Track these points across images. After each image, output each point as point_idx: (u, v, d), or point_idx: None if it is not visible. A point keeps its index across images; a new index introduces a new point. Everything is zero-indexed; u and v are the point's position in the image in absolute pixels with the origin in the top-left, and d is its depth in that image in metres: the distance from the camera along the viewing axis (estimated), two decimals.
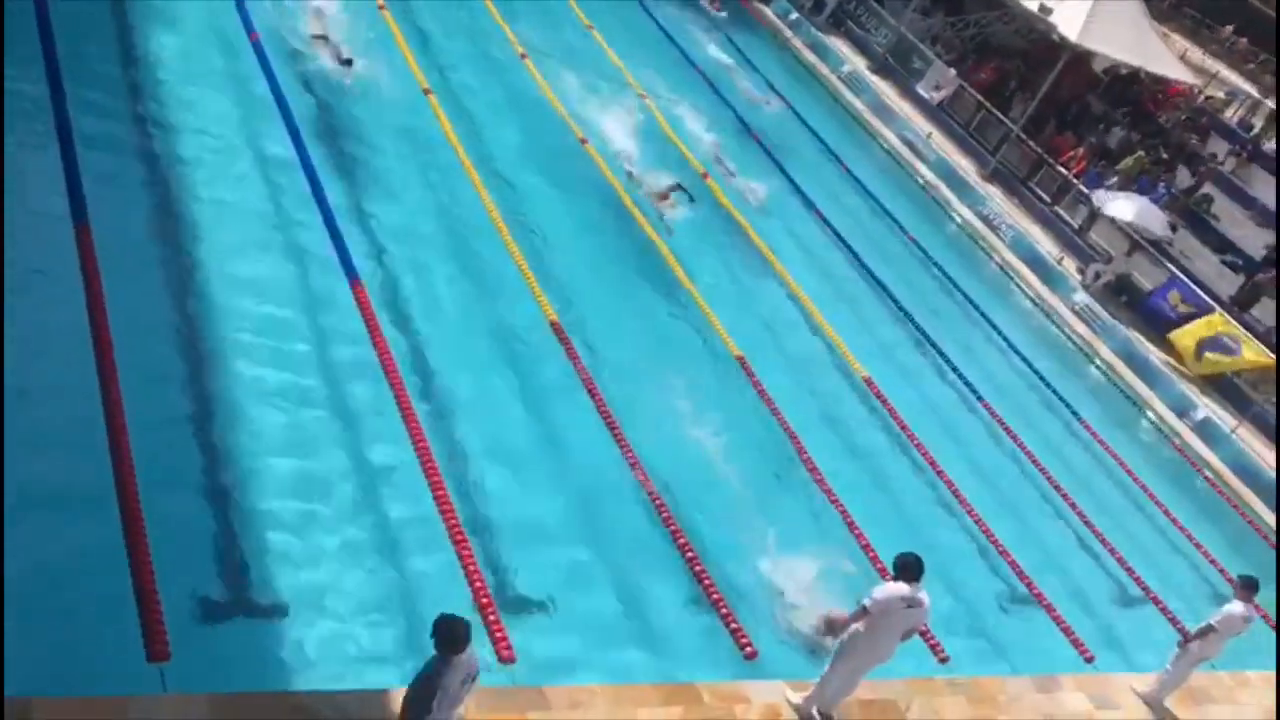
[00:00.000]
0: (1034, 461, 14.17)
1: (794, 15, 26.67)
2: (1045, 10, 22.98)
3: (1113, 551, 13.11)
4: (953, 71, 25.05)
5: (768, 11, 26.84)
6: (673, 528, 9.43)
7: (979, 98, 24.55)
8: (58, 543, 7.17)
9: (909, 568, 7.98)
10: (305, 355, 9.89)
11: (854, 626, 8.11)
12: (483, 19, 18.29)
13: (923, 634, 9.13)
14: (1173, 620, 11.97)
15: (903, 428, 13.26)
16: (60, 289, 8.73)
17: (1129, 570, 12.86)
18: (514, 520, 9.27)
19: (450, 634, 5.84)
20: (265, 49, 13.39)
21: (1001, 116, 23.99)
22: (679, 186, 15.66)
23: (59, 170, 9.63)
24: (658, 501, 9.64)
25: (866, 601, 8.00)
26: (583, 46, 19.45)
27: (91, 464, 7.36)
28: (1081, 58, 24.02)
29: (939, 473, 12.73)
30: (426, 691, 5.85)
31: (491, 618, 7.64)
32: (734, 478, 11.03)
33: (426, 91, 14.80)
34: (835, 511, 10.93)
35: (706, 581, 9.07)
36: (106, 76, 11.95)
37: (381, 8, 16.38)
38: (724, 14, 24.42)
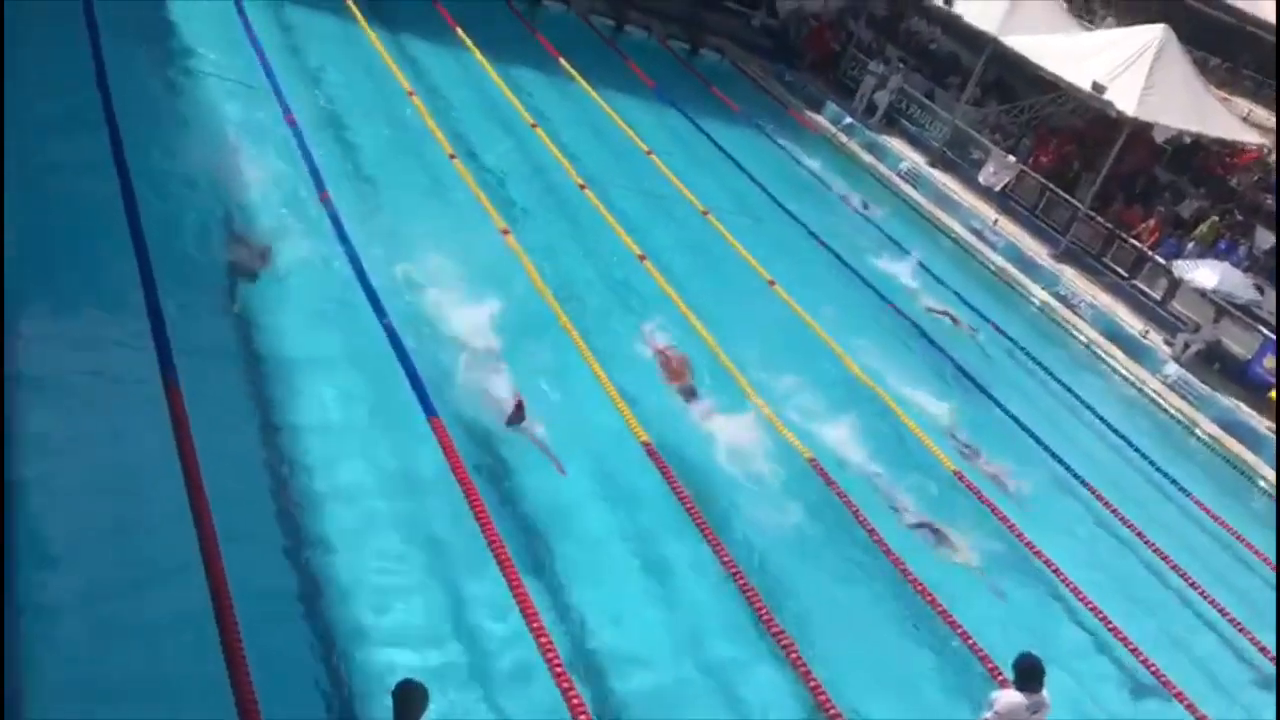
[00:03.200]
0: (1145, 541, 13.66)
1: (846, 120, 26.98)
2: (1099, 89, 22.97)
3: (1242, 630, 12.47)
4: (1012, 158, 25.06)
5: (819, 119, 27.23)
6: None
7: (1042, 181, 24.48)
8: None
9: (1031, 673, 7.65)
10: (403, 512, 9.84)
11: None
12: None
13: None
14: None
15: (1002, 519, 12.87)
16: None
17: (1262, 649, 12.20)
18: None
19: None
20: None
21: (1068, 197, 23.85)
22: None
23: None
24: None
25: (989, 715, 7.68)
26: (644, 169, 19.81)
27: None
28: (1142, 130, 23.87)
29: (1046, 562, 12.29)
30: None
31: None
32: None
33: None
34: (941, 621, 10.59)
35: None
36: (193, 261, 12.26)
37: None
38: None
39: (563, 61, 22.59)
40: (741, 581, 9.93)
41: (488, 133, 18.25)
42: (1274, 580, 14.11)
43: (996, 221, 24.03)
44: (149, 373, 9.45)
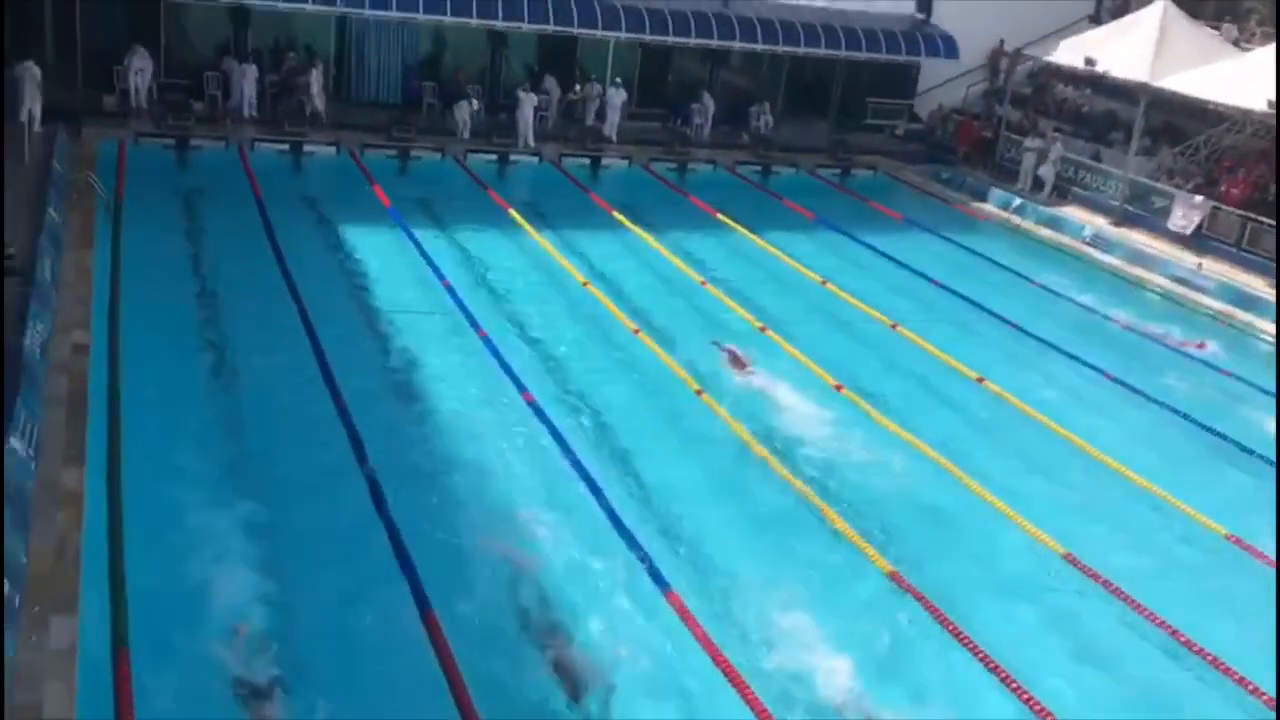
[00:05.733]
0: None
1: (1016, 201, 26.43)
2: (1275, 105, 21.84)
3: None
4: (1199, 197, 23.92)
5: (988, 207, 26.79)
6: None
7: (1240, 213, 23.20)
8: None
9: None
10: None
11: None
12: None
13: None
14: None
15: None
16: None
17: None
18: None
19: None
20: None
21: (1271, 222, 22.48)
22: None
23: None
24: None
25: None
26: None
27: None
28: None
29: None
30: None
31: None
32: None
33: None
34: None
35: None
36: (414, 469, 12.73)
37: None
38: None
39: (720, 216, 23.09)
40: None
41: (663, 300, 18.64)
42: None
43: (1201, 265, 22.80)
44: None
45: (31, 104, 20.88)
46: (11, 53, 21.06)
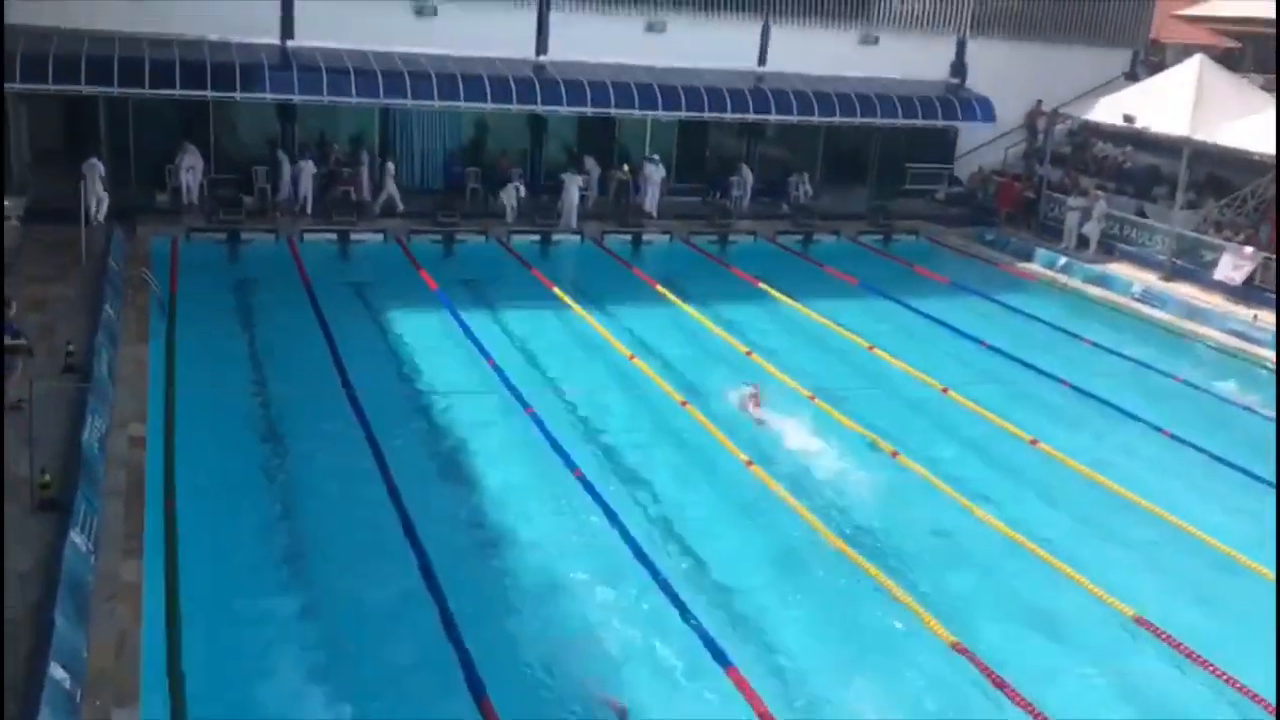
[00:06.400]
0: None
1: (1062, 260, 26.28)
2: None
3: None
4: (1249, 248, 23.64)
5: (1033, 267, 26.67)
6: None
7: None
8: None
9: None
10: None
11: None
12: None
13: None
14: None
15: None
16: None
17: None
18: None
19: None
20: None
21: None
22: None
23: None
24: None
25: None
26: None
27: None
28: None
29: None
30: None
31: None
32: None
33: None
34: None
35: None
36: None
37: None
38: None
39: (763, 285, 23.14)
40: None
41: (709, 372, 18.61)
42: None
43: (1256, 317, 22.45)
44: None
45: (96, 198, 21.85)
46: (73, 153, 21.91)
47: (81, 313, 16.72)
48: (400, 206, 25.74)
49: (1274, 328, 21.81)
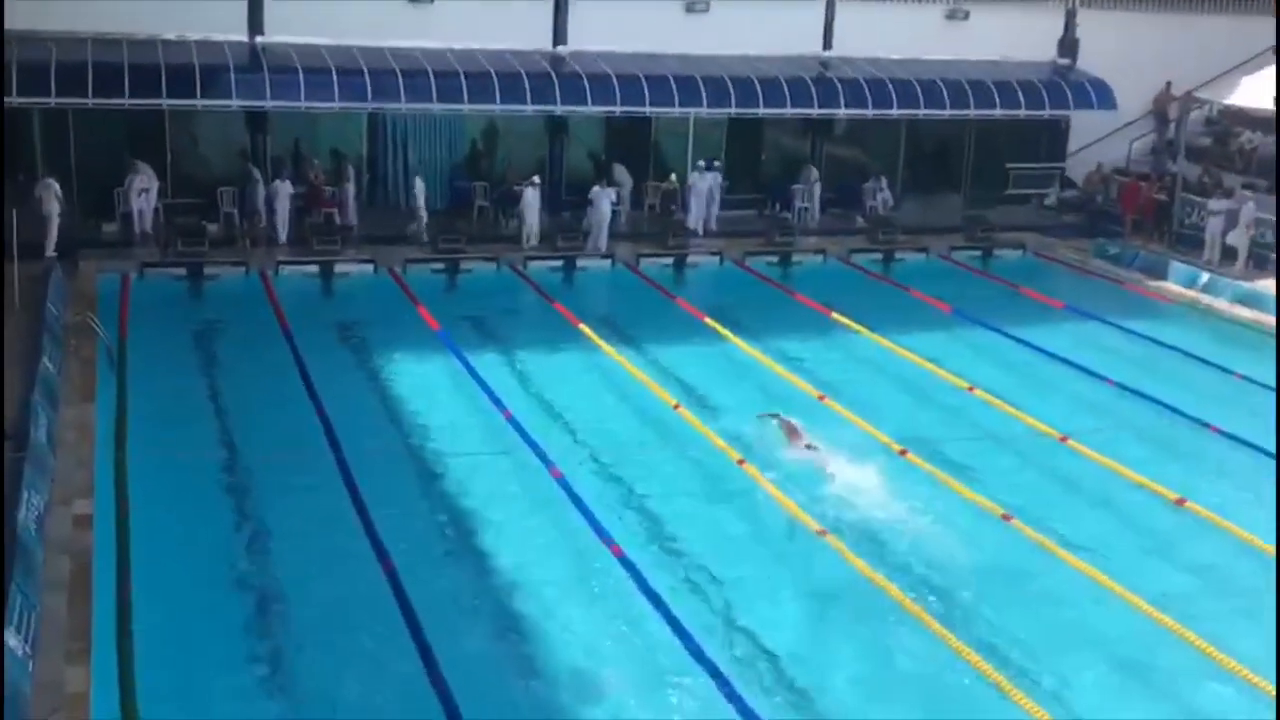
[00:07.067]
0: None
1: (1204, 277, 26.07)
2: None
3: None
4: None
5: (1167, 285, 26.50)
6: None
7: None
8: None
9: None
10: None
11: None
12: None
13: None
14: None
15: None
16: None
17: None
18: None
19: None
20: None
21: None
22: None
23: None
24: None
25: None
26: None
27: None
28: None
29: None
30: None
31: None
32: None
33: None
34: None
35: None
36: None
37: None
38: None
39: (834, 315, 23.10)
40: None
41: (771, 422, 18.50)
42: None
43: None
44: None
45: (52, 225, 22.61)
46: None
47: (14, 367, 16.89)
48: (425, 238, 25.97)
49: None
